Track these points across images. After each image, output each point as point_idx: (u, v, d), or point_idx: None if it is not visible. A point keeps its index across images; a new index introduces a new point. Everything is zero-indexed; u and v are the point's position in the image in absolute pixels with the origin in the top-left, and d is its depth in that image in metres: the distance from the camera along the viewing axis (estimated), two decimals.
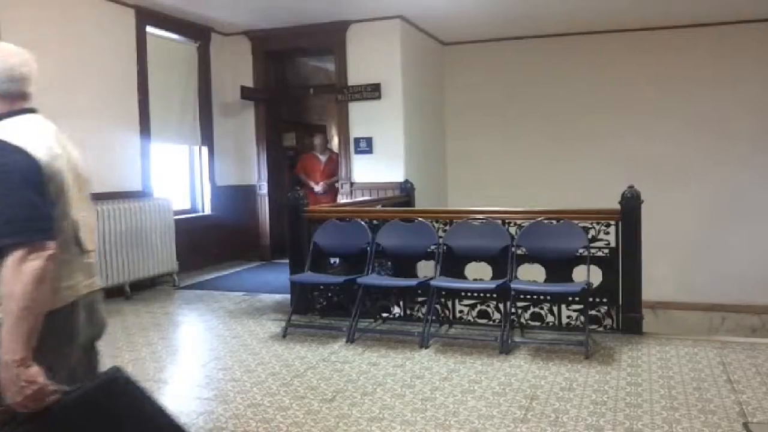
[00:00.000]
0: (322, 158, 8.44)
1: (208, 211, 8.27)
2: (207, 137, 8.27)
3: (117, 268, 6.21)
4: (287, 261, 5.91)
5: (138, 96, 7.02)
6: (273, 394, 3.70)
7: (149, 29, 7.23)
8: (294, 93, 9.51)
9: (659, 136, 8.67)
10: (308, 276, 5.29)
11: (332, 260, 5.71)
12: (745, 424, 3.11)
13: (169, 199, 7.08)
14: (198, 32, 8.10)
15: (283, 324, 5.04)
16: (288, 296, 5.79)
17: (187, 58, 8.07)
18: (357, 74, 8.13)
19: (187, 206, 8.18)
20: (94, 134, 6.43)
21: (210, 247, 8.02)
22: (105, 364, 4.29)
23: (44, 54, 6.15)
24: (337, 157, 8.38)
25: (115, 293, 6.22)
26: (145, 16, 7.12)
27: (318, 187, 8.21)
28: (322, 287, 5.53)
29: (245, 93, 8.38)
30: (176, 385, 4.04)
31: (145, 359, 4.41)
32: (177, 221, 7.11)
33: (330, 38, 8.20)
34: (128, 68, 6.94)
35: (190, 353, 4.80)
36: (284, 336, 4.90)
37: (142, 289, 6.63)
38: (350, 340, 4.74)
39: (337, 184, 8.36)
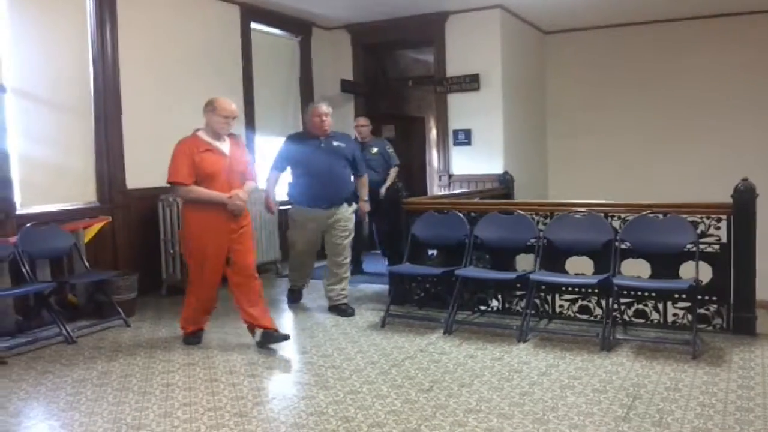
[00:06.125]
0: (224, 148, 4.56)
1: None
2: None
3: None
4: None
5: (243, 90, 7.31)
6: (371, 382, 3.78)
7: (253, 25, 7.51)
8: (393, 85, 9.60)
9: None
10: (406, 267, 5.35)
11: (430, 252, 5.73)
12: None
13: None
14: (300, 27, 8.32)
15: (382, 314, 5.12)
16: (386, 287, 5.88)
17: (290, 52, 8.30)
18: (456, 65, 8.11)
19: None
20: None
21: None
22: (214, 348, 4.51)
23: (159, 53, 6.56)
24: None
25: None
26: (250, 13, 7.39)
27: (232, 200, 4.42)
28: (420, 278, 5.57)
29: (345, 86, 8.53)
30: (279, 370, 4.18)
31: (249, 345, 4.59)
32: (280, 211, 7.30)
33: (429, 30, 8.21)
34: (234, 63, 7.24)
35: (291, 340, 4.95)
36: (383, 326, 4.98)
37: None
38: (448, 332, 4.76)
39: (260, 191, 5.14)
